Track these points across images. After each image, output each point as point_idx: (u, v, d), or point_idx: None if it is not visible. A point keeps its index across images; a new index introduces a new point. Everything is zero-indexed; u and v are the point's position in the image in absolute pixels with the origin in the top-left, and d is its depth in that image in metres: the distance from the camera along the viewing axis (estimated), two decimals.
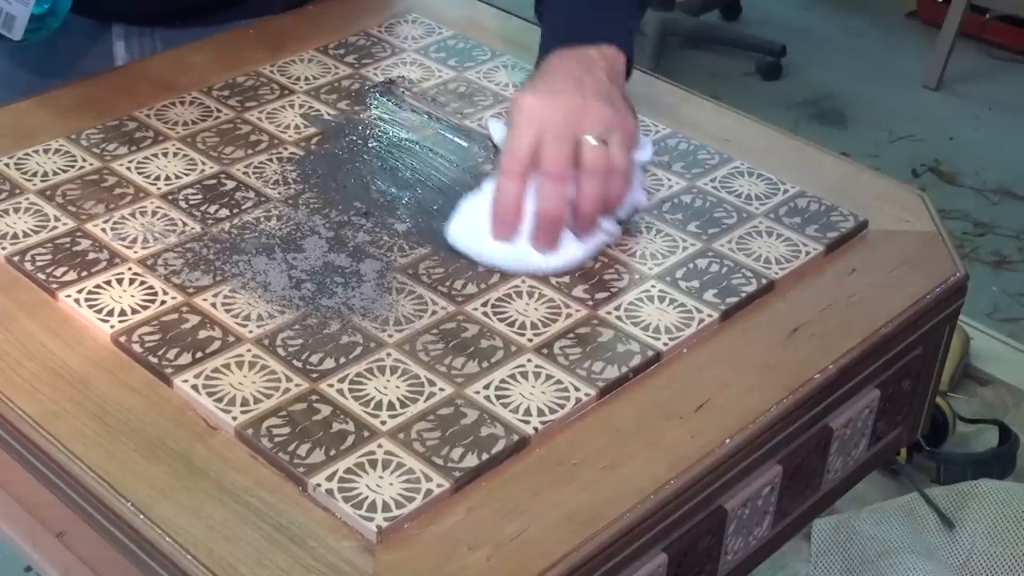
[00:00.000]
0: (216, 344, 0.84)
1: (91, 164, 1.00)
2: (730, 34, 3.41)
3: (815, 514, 0.96)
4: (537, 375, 0.83)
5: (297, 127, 1.06)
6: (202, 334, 0.84)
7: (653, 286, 0.91)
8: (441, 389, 0.81)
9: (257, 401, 0.79)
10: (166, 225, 0.94)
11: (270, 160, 1.01)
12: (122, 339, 0.84)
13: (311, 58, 1.15)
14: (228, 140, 1.04)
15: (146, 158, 1.01)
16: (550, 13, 1.05)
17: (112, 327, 0.85)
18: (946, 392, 1.74)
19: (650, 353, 0.85)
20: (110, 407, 0.80)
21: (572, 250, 0.91)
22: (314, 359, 0.83)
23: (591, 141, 0.90)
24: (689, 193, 1.01)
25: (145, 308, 0.86)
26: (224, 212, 0.96)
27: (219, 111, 1.07)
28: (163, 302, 0.87)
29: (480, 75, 1.14)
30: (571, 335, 0.86)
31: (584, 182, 0.90)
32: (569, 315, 0.88)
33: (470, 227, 0.92)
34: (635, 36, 1.02)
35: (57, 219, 0.94)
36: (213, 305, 0.87)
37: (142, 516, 0.73)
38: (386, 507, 0.73)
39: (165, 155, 1.01)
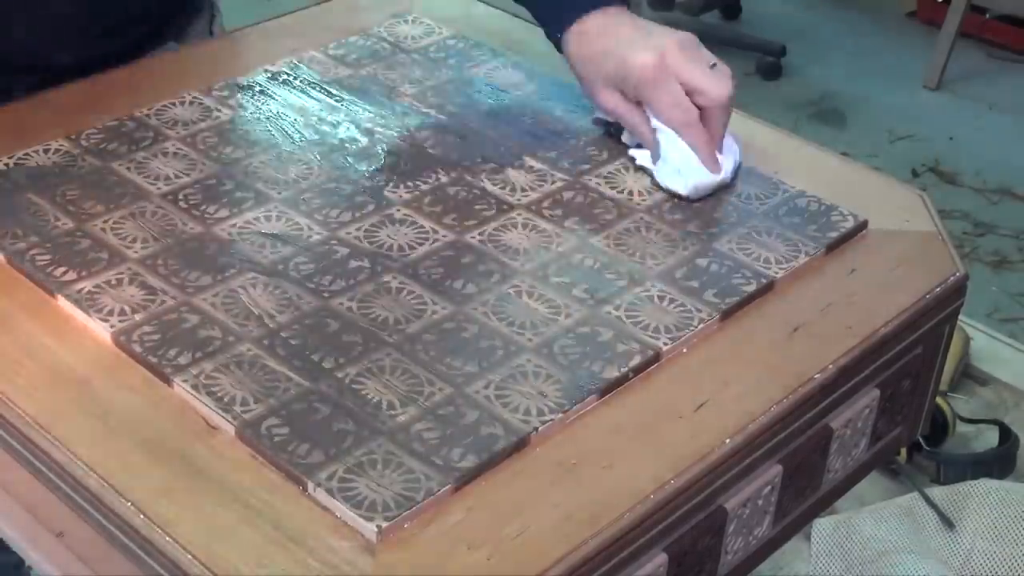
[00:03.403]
0: (216, 344, 0.84)
1: (91, 164, 1.00)
2: (730, 34, 3.41)
3: (815, 514, 0.96)
4: (537, 375, 0.83)
5: (297, 127, 1.06)
6: (202, 334, 0.84)
7: (653, 286, 0.91)
8: (441, 389, 0.81)
9: (257, 401, 0.79)
10: (166, 225, 0.94)
11: (271, 160, 1.01)
12: (122, 339, 0.84)
13: (311, 58, 1.15)
14: (228, 140, 1.04)
15: (146, 158, 1.01)
16: None
17: (112, 327, 0.85)
18: (946, 392, 1.74)
19: (650, 353, 0.85)
20: (110, 407, 0.80)
21: (728, 161, 1.02)
22: (314, 358, 0.83)
23: (710, 64, 1.00)
24: None
25: (145, 308, 0.86)
26: (224, 212, 0.96)
27: (219, 111, 1.07)
28: (163, 302, 0.87)
29: (480, 75, 1.14)
30: (571, 335, 0.86)
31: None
32: (569, 315, 0.88)
33: (676, 171, 1.00)
34: None
35: (57, 219, 0.94)
36: (213, 305, 0.87)
37: (142, 516, 0.73)
38: (386, 507, 0.73)
39: (165, 155, 1.01)
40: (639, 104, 1.01)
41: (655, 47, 0.99)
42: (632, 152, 1.04)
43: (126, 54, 1.16)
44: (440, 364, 0.83)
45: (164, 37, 1.20)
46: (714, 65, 1.00)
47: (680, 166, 1.00)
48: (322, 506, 0.74)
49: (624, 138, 1.06)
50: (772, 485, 0.86)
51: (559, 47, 1.06)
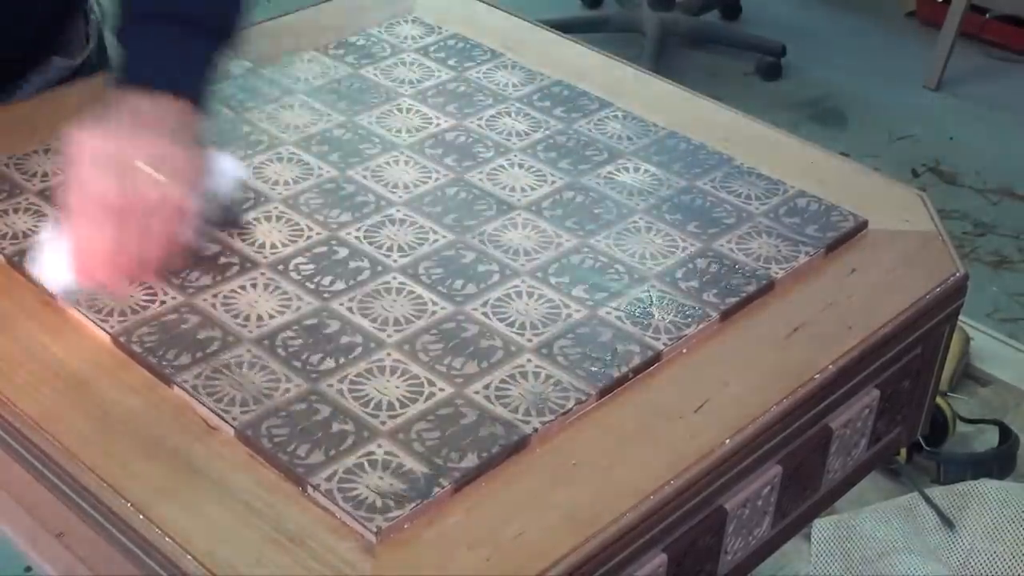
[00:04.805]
0: (216, 344, 0.84)
1: None
2: (730, 34, 3.41)
3: (815, 514, 0.96)
4: (537, 375, 0.83)
5: (297, 127, 1.06)
6: (202, 334, 0.84)
7: (653, 286, 0.91)
8: (441, 389, 0.81)
9: (257, 401, 0.79)
10: None
11: (270, 160, 1.01)
12: (122, 339, 0.84)
13: (311, 58, 1.15)
14: (228, 140, 1.04)
15: None
16: (126, 39, 0.91)
17: (112, 327, 0.84)
18: (946, 392, 1.74)
19: (650, 353, 0.85)
20: (110, 407, 0.80)
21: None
22: (314, 359, 0.83)
23: (146, 169, 0.80)
24: (689, 193, 1.01)
25: (145, 308, 0.86)
26: None
27: (219, 111, 1.07)
28: (163, 302, 0.87)
29: (480, 75, 1.14)
30: (571, 335, 0.86)
31: (144, 218, 0.81)
32: (569, 315, 0.88)
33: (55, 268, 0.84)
34: (210, 69, 0.90)
35: (57, 219, 0.94)
36: (213, 305, 0.87)
37: (142, 516, 0.73)
38: (386, 507, 0.73)
39: None
40: None
41: (102, 125, 0.83)
42: None
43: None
44: (440, 364, 0.83)
45: (47, 51, 1.12)
46: (158, 174, 0.81)
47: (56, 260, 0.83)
48: (322, 506, 0.74)
49: None
50: (772, 485, 0.86)
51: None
